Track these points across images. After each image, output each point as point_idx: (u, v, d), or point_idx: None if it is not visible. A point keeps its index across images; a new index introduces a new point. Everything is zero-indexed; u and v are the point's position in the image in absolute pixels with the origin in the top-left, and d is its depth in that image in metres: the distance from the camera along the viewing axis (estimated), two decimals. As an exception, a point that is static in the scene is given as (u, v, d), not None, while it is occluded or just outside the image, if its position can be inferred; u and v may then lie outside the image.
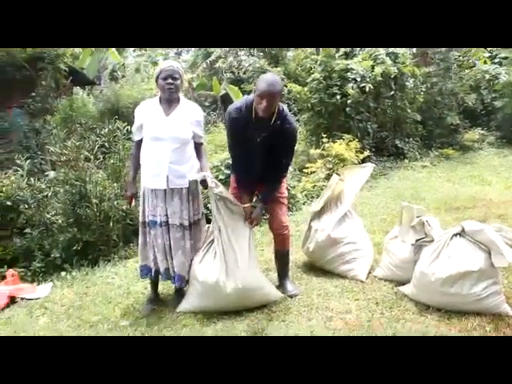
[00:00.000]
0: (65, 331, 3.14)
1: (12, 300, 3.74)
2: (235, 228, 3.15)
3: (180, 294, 3.38)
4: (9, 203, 4.22)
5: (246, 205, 3.24)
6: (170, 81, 3.07)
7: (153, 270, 3.29)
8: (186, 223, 3.18)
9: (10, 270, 4.00)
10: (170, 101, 3.16)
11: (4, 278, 3.94)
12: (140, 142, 3.24)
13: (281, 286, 3.47)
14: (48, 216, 4.53)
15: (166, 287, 3.67)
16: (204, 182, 3.12)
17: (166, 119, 3.12)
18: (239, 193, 3.32)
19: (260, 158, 3.16)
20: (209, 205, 3.23)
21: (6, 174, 4.60)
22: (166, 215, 3.16)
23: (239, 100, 3.29)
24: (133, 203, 3.44)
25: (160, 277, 3.32)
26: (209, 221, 3.37)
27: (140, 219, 3.29)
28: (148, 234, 3.24)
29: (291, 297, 3.36)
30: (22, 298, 3.78)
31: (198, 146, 3.30)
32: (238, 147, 3.26)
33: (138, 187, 3.40)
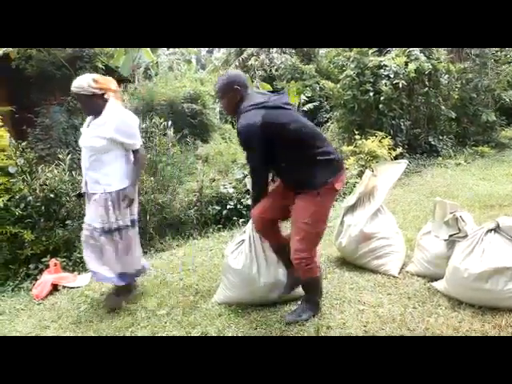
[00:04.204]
0: (104, 317, 3.30)
1: (55, 288, 3.92)
2: None
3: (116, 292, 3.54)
4: (52, 195, 4.39)
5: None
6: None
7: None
8: (99, 228, 3.28)
9: (53, 259, 4.18)
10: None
11: (47, 267, 4.13)
12: None
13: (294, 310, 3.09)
14: (87, 209, 4.68)
15: (198, 280, 3.78)
16: None
17: (86, 130, 3.37)
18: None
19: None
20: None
21: (49, 167, 4.77)
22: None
23: None
24: None
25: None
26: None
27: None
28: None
29: (287, 323, 2.94)
30: (64, 287, 3.95)
31: (134, 153, 3.41)
32: None
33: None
